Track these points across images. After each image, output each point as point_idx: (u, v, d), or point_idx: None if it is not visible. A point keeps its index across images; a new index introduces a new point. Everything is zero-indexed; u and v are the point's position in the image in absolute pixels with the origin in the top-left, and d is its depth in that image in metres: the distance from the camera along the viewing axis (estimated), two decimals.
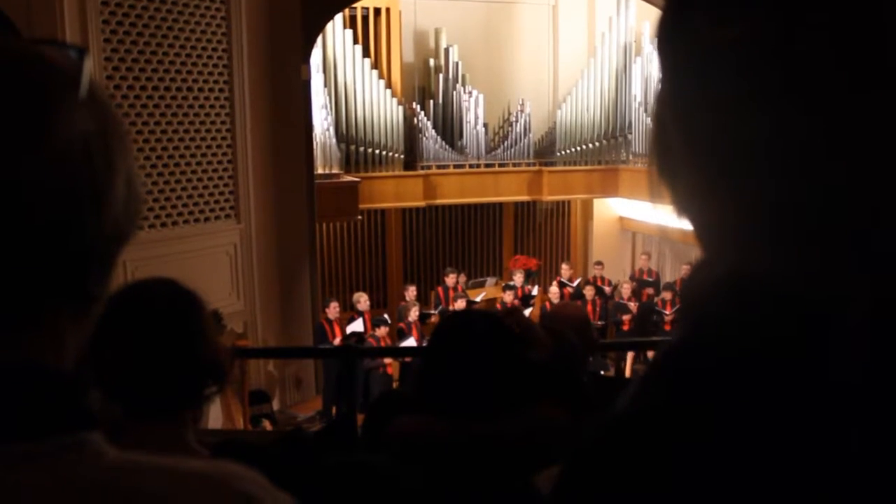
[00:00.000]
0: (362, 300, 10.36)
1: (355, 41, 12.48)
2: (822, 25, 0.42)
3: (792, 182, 0.44)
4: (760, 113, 0.44)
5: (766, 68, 0.43)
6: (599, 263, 13.03)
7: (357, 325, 9.80)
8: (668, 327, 10.94)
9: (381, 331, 9.66)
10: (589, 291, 11.80)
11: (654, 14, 11.86)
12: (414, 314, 10.26)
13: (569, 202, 14.79)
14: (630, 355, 9.89)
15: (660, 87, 0.51)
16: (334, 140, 11.87)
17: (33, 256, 0.54)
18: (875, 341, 0.42)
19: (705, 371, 0.47)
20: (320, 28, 9.92)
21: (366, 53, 12.61)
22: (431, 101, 13.26)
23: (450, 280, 11.77)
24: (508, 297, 11.38)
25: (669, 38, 0.49)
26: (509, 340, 2.05)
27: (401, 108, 12.81)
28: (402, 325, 10.32)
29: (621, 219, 14.87)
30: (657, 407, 0.49)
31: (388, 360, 9.45)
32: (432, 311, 10.90)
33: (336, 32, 12.22)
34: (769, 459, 0.44)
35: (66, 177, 0.54)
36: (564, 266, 12.86)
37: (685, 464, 0.46)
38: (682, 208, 0.51)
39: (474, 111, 13.26)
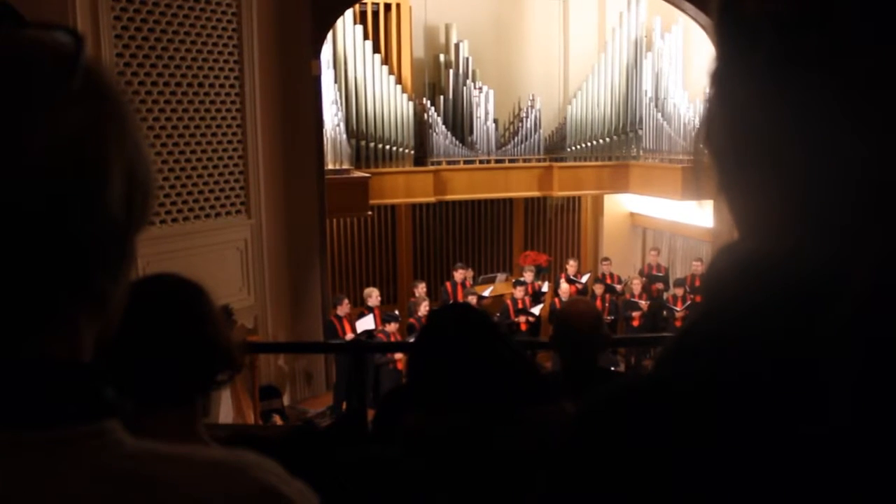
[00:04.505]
0: (373, 295, 10.36)
1: (366, 37, 12.48)
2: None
3: (829, 161, 0.43)
4: (799, 86, 0.43)
5: (804, 40, 0.43)
6: (607, 259, 13.01)
7: (367, 322, 9.81)
8: (678, 324, 10.91)
9: (392, 327, 9.67)
10: (598, 288, 11.78)
11: (664, 9, 11.81)
12: (423, 310, 10.26)
13: (579, 198, 14.77)
14: None
15: (714, 67, 0.51)
16: (345, 136, 11.88)
17: (28, 254, 0.53)
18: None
19: (720, 355, 0.47)
20: (331, 24, 9.93)
21: (376, 49, 12.61)
22: (442, 97, 13.25)
23: (458, 275, 11.77)
24: (519, 292, 11.38)
25: (720, 16, 0.50)
26: (479, 334, 2.04)
27: (411, 103, 12.81)
28: (412, 320, 10.33)
29: (632, 214, 14.83)
30: (670, 379, 0.49)
31: (398, 356, 9.45)
32: None
33: (346, 28, 12.23)
34: (773, 451, 0.44)
35: (51, 174, 0.53)
36: (571, 262, 12.86)
37: (687, 440, 0.46)
38: (725, 187, 0.51)
39: (484, 107, 13.24)
